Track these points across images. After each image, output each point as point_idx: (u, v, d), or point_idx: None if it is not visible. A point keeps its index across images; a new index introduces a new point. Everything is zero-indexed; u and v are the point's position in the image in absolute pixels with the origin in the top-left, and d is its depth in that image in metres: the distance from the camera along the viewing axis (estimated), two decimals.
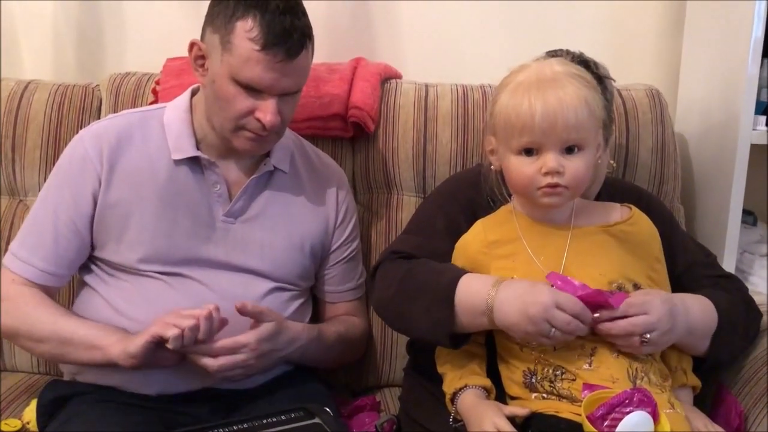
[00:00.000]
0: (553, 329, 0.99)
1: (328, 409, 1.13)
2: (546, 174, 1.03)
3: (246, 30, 1.14)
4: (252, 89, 1.17)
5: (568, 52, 1.23)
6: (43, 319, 1.19)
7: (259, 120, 1.19)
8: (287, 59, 1.15)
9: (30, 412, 1.24)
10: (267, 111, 1.18)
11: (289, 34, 1.15)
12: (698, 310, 1.13)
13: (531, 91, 1.02)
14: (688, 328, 1.10)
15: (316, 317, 1.41)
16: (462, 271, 1.10)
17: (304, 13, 1.20)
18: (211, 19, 1.20)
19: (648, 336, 1.02)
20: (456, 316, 1.06)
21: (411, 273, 1.14)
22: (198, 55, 1.23)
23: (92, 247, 1.26)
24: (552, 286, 1.03)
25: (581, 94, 1.02)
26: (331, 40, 1.78)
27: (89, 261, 1.28)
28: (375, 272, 1.22)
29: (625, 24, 1.84)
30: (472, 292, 1.06)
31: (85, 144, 1.25)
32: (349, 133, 1.56)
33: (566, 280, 1.04)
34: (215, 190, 1.27)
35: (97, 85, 1.63)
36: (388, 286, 1.16)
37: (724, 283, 1.24)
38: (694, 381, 1.16)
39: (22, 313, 1.20)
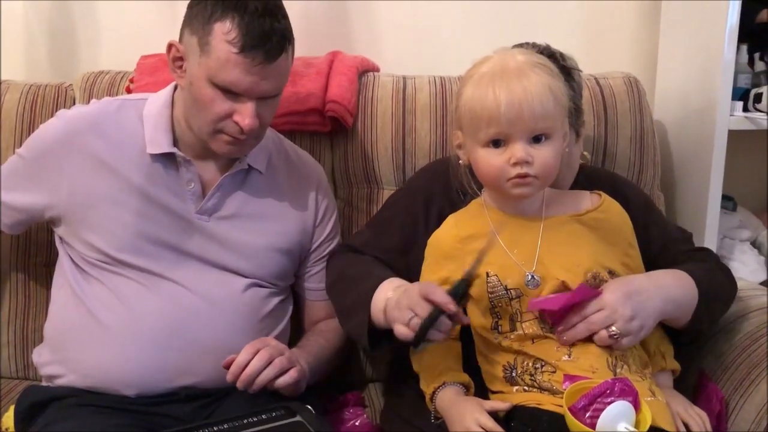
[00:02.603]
0: (413, 317, 0.99)
1: (309, 407, 1.12)
2: (515, 164, 1.03)
3: (224, 32, 1.12)
4: (230, 92, 1.16)
5: (534, 45, 1.23)
6: None
7: (237, 123, 1.17)
8: (266, 62, 1.14)
9: (8, 419, 1.22)
10: (245, 114, 1.16)
11: (268, 36, 1.13)
12: (672, 279, 1.13)
13: (495, 81, 1.02)
14: (666, 298, 1.09)
15: (297, 314, 1.40)
16: (388, 276, 1.13)
17: (284, 16, 1.18)
18: (189, 21, 1.18)
19: (614, 329, 1.02)
20: (371, 316, 1.10)
21: (347, 271, 1.22)
22: (176, 57, 1.21)
23: (67, 228, 1.26)
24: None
25: (545, 82, 1.02)
26: (307, 34, 1.76)
27: (65, 258, 1.27)
28: (328, 262, 1.32)
29: (602, 12, 1.84)
30: (382, 290, 1.10)
31: (57, 126, 1.26)
32: (327, 128, 1.55)
33: (543, 301, 1.04)
34: (189, 188, 1.25)
35: (71, 84, 1.61)
36: (330, 278, 1.27)
37: (699, 255, 1.26)
38: (674, 365, 1.17)
39: None
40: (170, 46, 1.21)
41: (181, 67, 1.21)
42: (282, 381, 1.13)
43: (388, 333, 1.08)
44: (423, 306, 0.99)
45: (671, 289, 1.11)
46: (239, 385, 1.11)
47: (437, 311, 0.98)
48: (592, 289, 1.04)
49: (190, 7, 1.19)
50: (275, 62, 1.15)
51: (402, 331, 1.00)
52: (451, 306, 0.98)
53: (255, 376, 1.11)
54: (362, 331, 1.10)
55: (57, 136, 1.25)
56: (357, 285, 1.16)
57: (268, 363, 1.13)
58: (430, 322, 0.98)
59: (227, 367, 1.12)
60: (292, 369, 1.15)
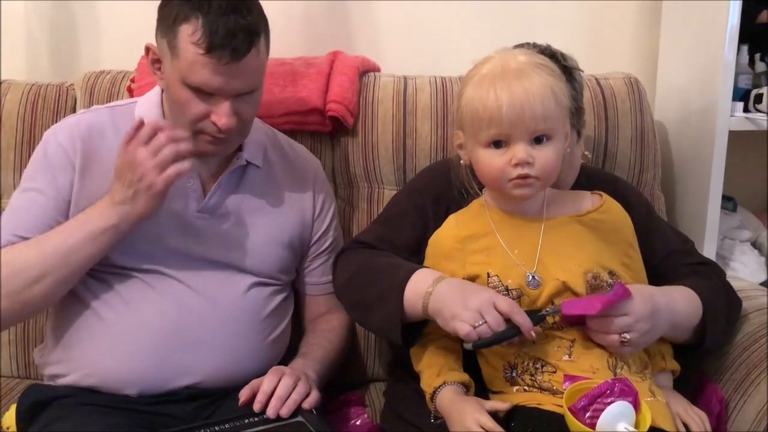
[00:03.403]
0: (482, 323, 0.99)
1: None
2: (516, 165, 1.03)
3: (189, 33, 1.12)
4: (204, 92, 1.15)
5: (535, 45, 1.23)
6: (26, 260, 1.13)
7: (214, 123, 1.17)
8: (233, 61, 1.12)
9: (9, 417, 1.22)
10: (221, 114, 1.16)
11: (233, 34, 1.11)
12: (683, 304, 1.13)
13: (496, 82, 1.02)
14: (672, 323, 1.10)
15: (298, 311, 1.41)
16: (418, 266, 1.12)
17: (250, 11, 1.15)
18: (159, 23, 1.18)
19: (627, 336, 1.02)
20: (404, 306, 1.08)
21: (369, 263, 1.18)
22: (154, 59, 1.21)
23: None
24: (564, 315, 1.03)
25: (546, 83, 1.02)
26: (308, 34, 1.77)
27: None
28: (337, 259, 1.27)
29: (603, 13, 1.84)
30: (418, 280, 1.08)
31: (58, 137, 1.24)
32: (328, 128, 1.56)
33: (578, 305, 1.03)
34: (189, 186, 1.25)
35: (72, 84, 1.61)
36: (347, 273, 1.21)
37: (703, 271, 1.25)
38: (674, 365, 1.17)
39: (8, 272, 1.12)
40: (147, 49, 1.21)
41: (159, 69, 1.21)
42: (306, 405, 1.15)
43: (414, 325, 1.09)
44: (495, 317, 0.99)
45: (679, 315, 1.12)
46: (270, 411, 1.11)
47: (514, 331, 1.00)
48: (627, 289, 1.03)
49: (159, 9, 1.18)
50: (243, 60, 1.13)
51: (464, 329, 0.99)
52: (533, 334, 1.00)
53: (284, 401, 1.12)
54: (393, 323, 1.09)
55: (58, 146, 1.23)
56: (382, 277, 1.13)
57: (293, 388, 1.14)
58: (504, 338, 1.00)
59: (245, 401, 1.13)
60: (312, 392, 1.17)
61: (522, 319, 0.99)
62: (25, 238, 1.17)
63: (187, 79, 1.14)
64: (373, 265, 1.18)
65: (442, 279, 1.07)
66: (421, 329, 1.12)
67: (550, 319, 1.05)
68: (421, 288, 1.07)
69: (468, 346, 1.01)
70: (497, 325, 0.99)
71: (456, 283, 1.06)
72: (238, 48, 1.12)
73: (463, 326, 1.00)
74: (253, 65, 1.16)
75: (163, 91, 1.28)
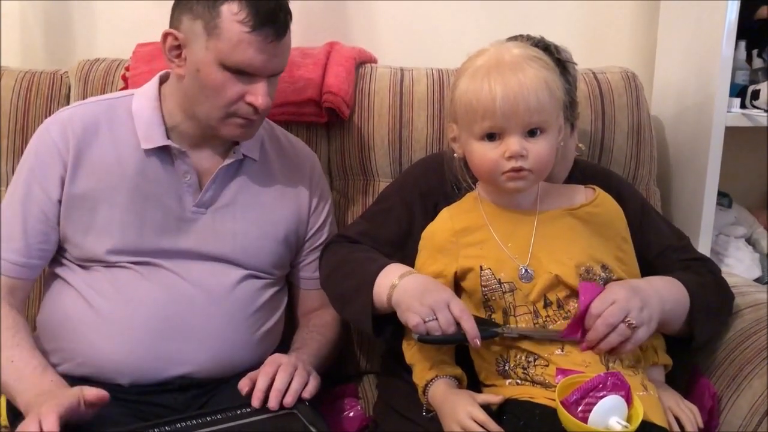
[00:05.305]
0: (432, 320, 1.00)
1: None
2: (509, 158, 1.03)
3: (233, 13, 1.13)
4: (241, 73, 1.16)
5: (528, 37, 1.23)
6: None
7: (250, 104, 1.18)
8: (276, 39, 1.16)
9: (0, 408, 1.22)
10: (258, 93, 1.18)
11: (276, 13, 1.15)
12: (664, 286, 1.13)
13: (491, 75, 1.02)
14: (661, 300, 1.08)
15: (290, 304, 1.40)
16: (391, 261, 1.14)
17: None
18: (188, 7, 1.17)
19: (630, 319, 1.01)
20: (374, 298, 1.10)
21: (349, 257, 1.21)
22: (174, 46, 1.20)
23: (60, 239, 1.24)
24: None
25: (541, 76, 1.02)
26: (305, 24, 1.76)
27: (58, 253, 1.26)
28: (323, 253, 1.29)
29: (600, 7, 1.84)
30: (388, 273, 1.11)
31: (51, 133, 1.23)
32: (323, 119, 1.55)
33: (569, 331, 1.04)
34: (185, 180, 1.25)
35: (66, 71, 1.60)
36: (328, 267, 1.24)
37: (695, 266, 1.24)
38: (666, 359, 1.17)
39: None
40: (166, 35, 1.20)
41: (179, 55, 1.20)
42: (307, 393, 1.14)
43: (389, 318, 1.09)
44: (447, 317, 1.01)
45: (664, 293, 1.11)
46: (272, 403, 1.10)
47: (461, 336, 1.01)
48: (594, 284, 1.04)
49: None
50: (284, 38, 1.17)
51: (414, 320, 1.01)
52: (478, 342, 1.01)
53: (283, 393, 1.11)
54: (365, 315, 1.11)
55: (51, 144, 1.22)
56: (358, 270, 1.16)
57: (291, 378, 1.14)
58: (450, 340, 1.02)
59: (249, 392, 1.12)
60: (312, 379, 1.17)
61: (468, 327, 1.00)
62: (19, 265, 1.20)
63: (229, 59, 1.15)
64: (352, 259, 1.20)
65: (409, 273, 1.09)
66: (394, 322, 1.12)
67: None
68: (388, 280, 1.09)
69: (414, 337, 1.03)
70: (447, 326, 1.00)
71: (421, 279, 1.08)
72: (280, 26, 1.16)
73: (414, 318, 1.01)
74: (288, 45, 1.21)
75: (161, 82, 1.28)
